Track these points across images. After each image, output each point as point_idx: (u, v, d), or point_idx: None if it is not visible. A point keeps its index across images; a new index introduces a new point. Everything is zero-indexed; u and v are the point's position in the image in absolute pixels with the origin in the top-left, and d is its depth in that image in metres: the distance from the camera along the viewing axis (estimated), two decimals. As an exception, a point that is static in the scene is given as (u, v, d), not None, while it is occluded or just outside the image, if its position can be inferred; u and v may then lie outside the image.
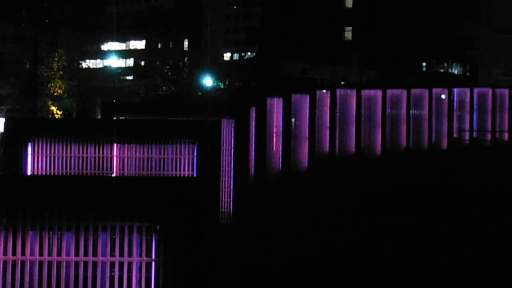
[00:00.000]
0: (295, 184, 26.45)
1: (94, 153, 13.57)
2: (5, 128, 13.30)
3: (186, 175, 13.46)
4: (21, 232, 6.77)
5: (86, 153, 13.55)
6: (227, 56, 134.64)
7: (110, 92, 75.73)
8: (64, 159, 13.46)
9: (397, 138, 34.23)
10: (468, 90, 38.12)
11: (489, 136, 37.43)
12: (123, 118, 17.40)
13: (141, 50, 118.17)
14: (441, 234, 19.09)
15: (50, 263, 6.82)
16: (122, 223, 6.81)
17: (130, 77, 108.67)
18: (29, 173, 13.01)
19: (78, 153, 13.53)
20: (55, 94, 58.72)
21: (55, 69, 57.99)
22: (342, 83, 69.26)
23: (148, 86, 78.05)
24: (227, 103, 23.85)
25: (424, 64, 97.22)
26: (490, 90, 38.46)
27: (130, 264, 6.86)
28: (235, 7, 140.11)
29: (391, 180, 28.80)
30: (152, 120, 16.04)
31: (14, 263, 6.78)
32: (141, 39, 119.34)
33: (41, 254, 6.82)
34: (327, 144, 30.84)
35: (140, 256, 6.86)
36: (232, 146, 18.40)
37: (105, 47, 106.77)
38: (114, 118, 17.27)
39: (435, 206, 23.82)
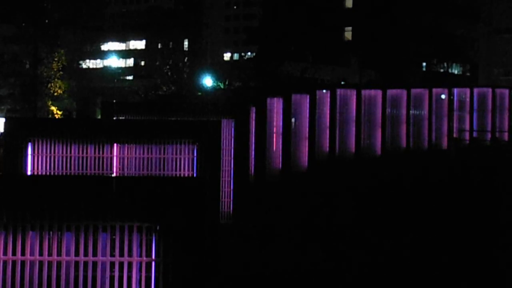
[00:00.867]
0: (295, 184, 26.45)
1: (94, 153, 13.57)
2: (5, 128, 13.30)
3: (186, 175, 13.46)
4: (21, 232, 6.77)
5: (86, 153, 13.55)
6: (227, 56, 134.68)
7: (110, 92, 75.75)
8: (64, 159, 13.46)
9: (397, 138, 34.23)
10: (468, 90, 38.11)
11: (489, 136, 37.43)
12: (123, 118, 17.40)
13: (141, 50, 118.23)
14: (441, 234, 19.09)
15: (50, 263, 6.82)
16: (122, 223, 6.81)
17: (130, 77, 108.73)
18: (29, 173, 13.01)
19: (78, 153, 13.53)
20: (55, 94, 58.77)
21: (55, 69, 58.03)
22: (342, 83, 69.29)
23: (148, 86, 78.11)
24: (227, 103, 23.85)
25: (424, 64, 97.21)
26: (490, 90, 38.45)
27: (130, 264, 6.86)
28: (235, 7, 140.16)
29: (391, 180, 28.79)
30: (152, 120, 16.04)
31: (14, 263, 6.78)
32: (141, 39, 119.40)
33: (41, 254, 6.82)
34: (327, 144, 30.84)
35: (140, 256, 6.86)
36: (232, 146, 18.40)
37: (105, 47, 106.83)
38: (114, 118, 17.28)
39: (435, 206, 23.82)
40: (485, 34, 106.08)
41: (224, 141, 17.71)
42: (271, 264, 15.34)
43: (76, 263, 6.83)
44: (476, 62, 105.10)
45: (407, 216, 21.83)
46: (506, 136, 37.58)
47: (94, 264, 6.84)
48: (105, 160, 13.62)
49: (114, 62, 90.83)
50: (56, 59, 57.72)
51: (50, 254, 6.82)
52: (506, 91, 38.72)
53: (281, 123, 26.51)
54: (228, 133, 18.28)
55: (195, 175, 13.34)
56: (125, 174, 13.59)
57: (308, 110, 29.37)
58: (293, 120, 28.16)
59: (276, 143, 25.96)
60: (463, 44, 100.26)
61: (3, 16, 59.22)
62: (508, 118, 37.84)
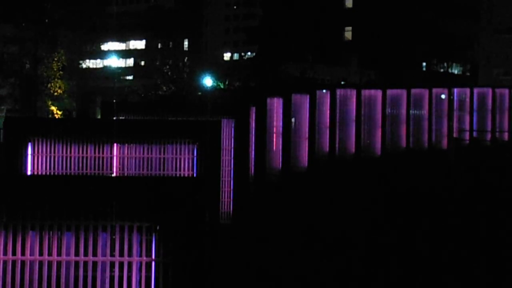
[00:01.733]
0: (295, 184, 26.45)
1: (94, 153, 13.57)
2: (5, 128, 13.30)
3: (186, 175, 13.46)
4: (21, 232, 6.77)
5: (86, 153, 13.55)
6: (227, 56, 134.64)
7: (110, 92, 75.75)
8: (64, 159, 13.46)
9: (397, 138, 34.23)
10: (468, 90, 38.11)
11: (489, 136, 37.42)
12: (123, 118, 17.40)
13: (141, 50, 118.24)
14: (441, 233, 19.09)
15: (50, 263, 6.82)
16: (122, 223, 6.81)
17: (130, 77, 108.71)
18: (29, 173, 13.01)
19: (78, 153, 13.53)
20: (55, 94, 58.76)
21: (55, 69, 58.02)
22: (342, 83, 69.26)
23: (148, 86, 78.09)
24: (227, 103, 23.86)
25: (424, 64, 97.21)
26: (490, 90, 38.44)
27: (130, 264, 6.86)
28: (235, 7, 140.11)
29: (391, 180, 28.79)
30: (152, 120, 16.04)
31: (14, 263, 6.78)
32: (141, 39, 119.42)
33: (41, 254, 6.82)
34: (327, 144, 30.84)
35: (140, 256, 6.86)
36: (232, 146, 18.40)
37: (105, 47, 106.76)
38: (114, 118, 17.28)
39: (435, 206, 23.82)
40: (485, 34, 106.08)
41: (224, 141, 17.71)
42: (270, 265, 15.33)
43: (76, 263, 6.83)
44: (476, 62, 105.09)
45: (407, 216, 21.82)
46: (506, 136, 37.57)
47: (94, 264, 6.84)
48: (105, 160, 13.62)
49: (114, 62, 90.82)
50: (56, 59, 57.72)
51: (50, 254, 6.82)
52: (506, 91, 38.71)
53: (281, 123, 26.50)
54: (228, 133, 18.27)
55: (195, 175, 13.34)
56: (125, 174, 13.59)
57: (308, 110, 29.37)
58: (293, 120, 28.16)
59: (276, 143, 25.95)
60: (463, 44, 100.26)
61: (3, 16, 59.22)
62: (508, 118, 37.83)
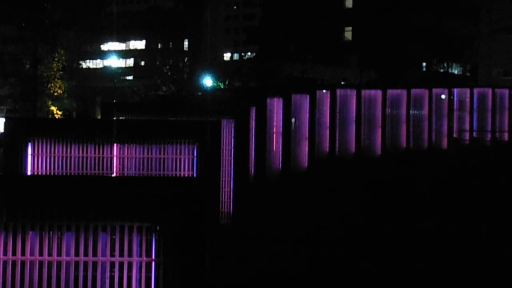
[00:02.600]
0: (295, 184, 26.45)
1: (94, 153, 13.57)
2: (5, 128, 13.30)
3: (186, 175, 13.46)
4: (21, 232, 6.77)
5: (86, 153, 13.55)
6: (227, 56, 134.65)
7: (110, 92, 75.73)
8: (64, 159, 13.46)
9: (397, 138, 34.23)
10: (468, 90, 38.12)
11: (489, 136, 37.43)
12: (123, 118, 17.39)
13: (141, 50, 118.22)
14: (441, 233, 19.09)
15: (50, 263, 6.82)
16: (122, 223, 6.81)
17: (130, 77, 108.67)
18: (29, 173, 13.01)
19: (78, 153, 13.53)
20: (55, 94, 58.72)
21: (55, 69, 57.98)
22: (342, 83, 69.27)
23: (148, 86, 78.06)
24: (227, 103, 23.86)
25: (424, 64, 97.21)
26: (490, 90, 38.46)
27: (130, 264, 6.86)
28: (235, 7, 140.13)
29: (391, 180, 28.80)
30: (152, 120, 16.04)
31: (14, 263, 6.78)
32: (141, 39, 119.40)
33: (41, 254, 6.82)
34: (327, 144, 30.84)
35: (140, 256, 6.86)
36: (232, 146, 18.40)
37: (105, 47, 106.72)
38: (114, 118, 17.27)
39: (435, 205, 23.83)
40: (485, 34, 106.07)
41: (224, 141, 17.71)
42: (270, 265, 15.34)
43: (76, 263, 6.83)
44: (476, 62, 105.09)
45: (406, 216, 21.82)
46: (506, 136, 37.58)
47: (94, 264, 6.84)
48: (105, 160, 13.62)
49: (114, 62, 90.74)
50: (56, 59, 57.68)
51: (50, 254, 6.82)
52: (506, 91, 38.72)
53: (281, 123, 26.50)
54: (228, 133, 18.27)
55: (195, 175, 13.34)
56: (125, 174, 13.59)
57: (308, 110, 29.37)
58: (293, 120, 28.16)
59: (276, 143, 25.95)
60: (463, 44, 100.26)
61: (3, 16, 59.18)
62: (508, 118, 37.84)
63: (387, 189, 27.04)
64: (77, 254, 6.81)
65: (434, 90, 36.21)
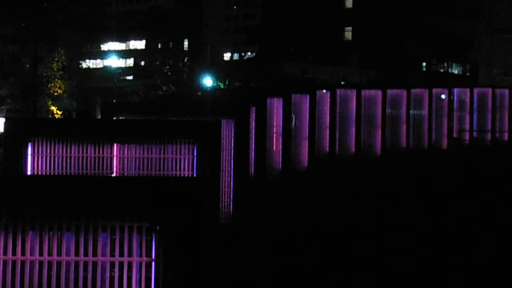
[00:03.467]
0: (295, 184, 26.45)
1: (94, 153, 13.57)
2: (5, 128, 13.30)
3: (186, 175, 13.46)
4: (21, 232, 6.77)
5: (86, 153, 13.55)
6: (227, 56, 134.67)
7: (110, 92, 75.75)
8: (64, 159, 13.46)
9: (397, 138, 34.22)
10: (468, 90, 38.09)
11: (489, 136, 37.41)
12: (123, 118, 17.40)
13: (141, 50, 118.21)
14: (441, 233, 19.10)
15: (50, 263, 6.82)
16: (122, 223, 6.81)
17: (130, 77, 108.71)
18: (29, 173, 13.01)
19: (78, 153, 13.53)
20: (55, 94, 58.73)
21: (55, 69, 58.00)
22: (342, 83, 69.26)
23: (148, 86, 78.08)
24: (227, 103, 23.86)
25: (424, 64, 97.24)
26: (490, 90, 38.43)
27: (130, 264, 6.86)
28: (235, 7, 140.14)
29: (391, 180, 28.80)
30: (152, 120, 16.04)
31: (14, 263, 6.78)
32: (141, 39, 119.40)
33: (41, 254, 6.82)
34: (327, 144, 30.84)
35: (140, 256, 6.86)
36: (232, 146, 18.39)
37: (105, 47, 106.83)
38: (114, 118, 17.28)
39: (435, 205, 23.83)
40: (485, 34, 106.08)
41: (224, 141, 17.71)
42: (270, 265, 15.33)
43: (76, 263, 6.83)
44: (476, 62, 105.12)
45: (406, 216, 21.83)
46: (506, 136, 37.56)
47: (94, 264, 6.84)
48: (105, 160, 13.62)
49: (114, 62, 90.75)
50: (56, 59, 57.69)
51: (50, 254, 6.82)
52: (506, 91, 38.70)
53: (281, 123, 26.50)
54: (228, 133, 18.27)
55: (195, 175, 13.34)
56: (125, 174, 13.59)
57: (308, 110, 29.37)
58: (292, 115, 28.10)
59: (276, 143, 25.95)
60: (463, 44, 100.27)
61: (3, 16, 59.18)
62: (508, 118, 37.82)
63: (387, 189, 27.04)
64: (77, 254, 6.81)
65: (434, 90, 36.20)
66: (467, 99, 37.38)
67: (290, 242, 17.81)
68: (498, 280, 14.57)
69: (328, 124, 30.90)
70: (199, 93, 64.71)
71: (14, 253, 6.77)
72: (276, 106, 26.11)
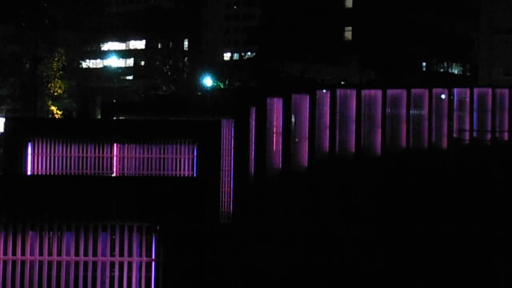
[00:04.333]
0: (295, 184, 26.44)
1: (94, 153, 13.57)
2: (5, 128, 13.30)
3: (186, 175, 13.46)
4: (21, 232, 6.77)
5: (86, 153, 13.55)
6: (227, 56, 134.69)
7: (110, 92, 75.71)
8: (64, 159, 13.46)
9: (397, 138, 34.21)
10: (468, 90, 38.08)
11: (489, 136, 37.40)
12: (123, 118, 17.39)
13: (141, 50, 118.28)
14: (440, 233, 19.09)
15: (50, 263, 6.82)
16: (122, 223, 6.81)
17: (130, 77, 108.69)
18: (29, 173, 13.01)
19: (78, 153, 13.53)
20: (55, 94, 58.70)
21: (55, 69, 57.96)
22: (342, 83, 69.25)
23: (148, 86, 78.10)
24: (227, 103, 23.84)
25: (424, 64, 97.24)
26: (490, 90, 38.41)
27: (130, 264, 6.86)
28: (235, 7, 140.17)
29: (391, 180, 28.79)
30: (152, 120, 16.04)
31: (14, 263, 6.78)
32: (141, 39, 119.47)
33: (41, 254, 6.82)
34: (327, 144, 30.82)
35: (140, 256, 6.86)
36: (232, 146, 18.39)
37: (105, 47, 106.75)
38: (114, 118, 17.27)
39: (435, 205, 23.83)
40: (485, 34, 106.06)
41: (224, 141, 17.71)
42: (270, 265, 15.33)
43: (76, 263, 6.83)
44: (476, 62, 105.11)
45: (405, 216, 21.82)
46: (506, 136, 37.56)
47: (94, 264, 6.84)
48: (105, 160, 13.62)
49: (114, 62, 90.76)
50: (56, 59, 57.65)
51: (50, 254, 6.82)
52: (506, 91, 38.68)
53: (281, 123, 26.50)
54: (228, 133, 18.27)
55: (195, 175, 13.34)
56: (125, 174, 13.59)
57: (308, 110, 29.36)
58: (293, 120, 28.12)
59: (276, 143, 25.95)
60: (463, 44, 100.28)
61: (3, 16, 59.15)
62: (508, 118, 37.81)
63: (387, 189, 27.03)
64: (77, 254, 6.81)
65: (434, 90, 36.18)
66: (467, 99, 37.36)
67: (290, 242, 17.80)
68: (498, 280, 14.58)
69: (328, 124, 30.89)
70: (199, 93, 64.72)
71: (14, 253, 6.77)
72: (276, 106, 26.11)
